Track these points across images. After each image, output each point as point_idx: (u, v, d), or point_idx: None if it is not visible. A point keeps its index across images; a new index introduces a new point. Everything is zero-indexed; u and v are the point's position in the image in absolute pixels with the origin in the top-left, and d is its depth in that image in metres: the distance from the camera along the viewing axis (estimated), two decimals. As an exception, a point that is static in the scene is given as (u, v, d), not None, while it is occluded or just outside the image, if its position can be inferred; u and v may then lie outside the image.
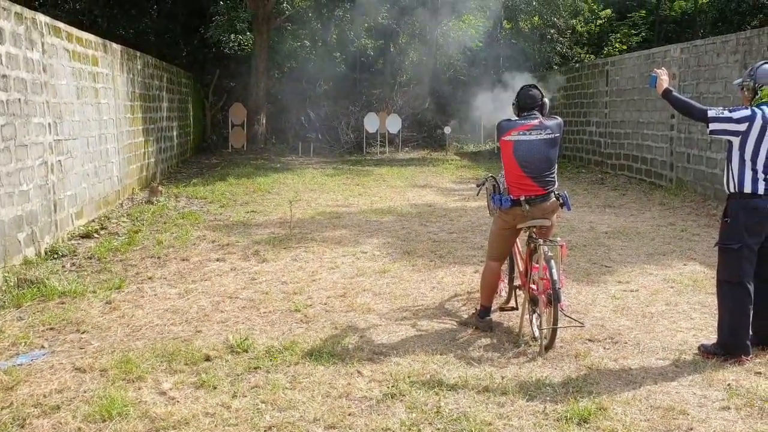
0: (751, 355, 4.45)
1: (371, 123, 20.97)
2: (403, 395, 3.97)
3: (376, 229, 9.15)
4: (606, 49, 24.91)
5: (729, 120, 4.41)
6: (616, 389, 4.03)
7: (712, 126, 4.47)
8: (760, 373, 4.25)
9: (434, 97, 24.03)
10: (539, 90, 5.02)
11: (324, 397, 3.99)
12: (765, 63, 4.52)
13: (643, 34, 24.90)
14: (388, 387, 4.08)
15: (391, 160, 19.82)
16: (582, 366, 4.38)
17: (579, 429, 3.55)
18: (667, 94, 4.73)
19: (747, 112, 4.39)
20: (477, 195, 6.24)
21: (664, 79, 4.79)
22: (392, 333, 5.07)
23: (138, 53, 12.88)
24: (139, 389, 4.10)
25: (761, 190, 4.39)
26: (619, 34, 25.02)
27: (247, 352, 4.68)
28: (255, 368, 4.41)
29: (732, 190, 4.49)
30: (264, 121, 21.48)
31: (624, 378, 4.20)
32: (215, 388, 4.11)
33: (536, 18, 24.65)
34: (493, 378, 4.19)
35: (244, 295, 6.08)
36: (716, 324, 4.74)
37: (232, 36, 22.53)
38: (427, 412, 3.76)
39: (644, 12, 25.13)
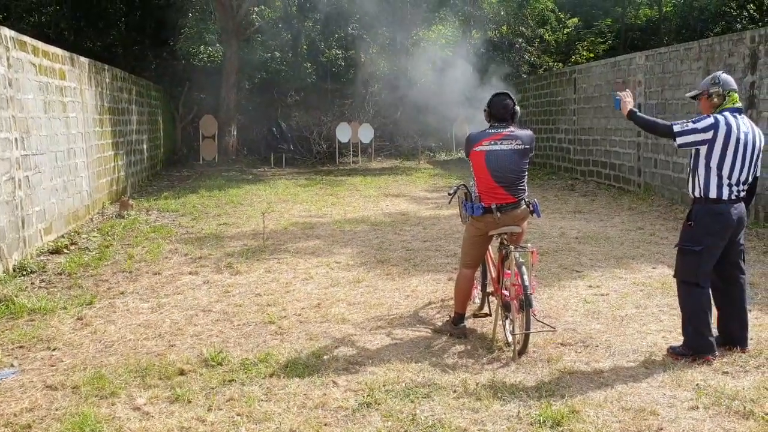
0: (716, 354, 4.55)
1: (343, 133, 21.02)
2: (379, 404, 3.98)
3: (349, 238, 9.16)
4: (573, 57, 25.27)
5: (695, 131, 4.51)
6: (589, 392, 4.10)
7: (680, 140, 4.57)
8: (727, 372, 4.35)
9: (406, 107, 24.14)
10: (511, 98, 5.09)
11: (300, 408, 3.99)
12: (722, 72, 4.69)
13: (610, 42, 25.32)
14: (363, 396, 4.09)
15: (364, 169, 19.86)
16: (554, 370, 4.44)
17: (552, 432, 3.60)
18: (631, 115, 4.87)
19: (710, 120, 4.49)
20: (449, 203, 6.30)
21: (627, 101, 4.93)
22: (367, 342, 5.09)
23: (106, 66, 12.77)
24: (112, 405, 4.06)
25: (725, 196, 4.49)
26: (586, 43, 25.40)
27: (221, 365, 4.66)
28: (230, 381, 4.39)
29: (697, 195, 4.59)
30: (235, 133, 21.39)
31: (596, 380, 4.27)
32: (190, 401, 4.09)
33: (504, 27, 24.97)
34: (468, 384, 4.23)
35: (218, 308, 6.05)
36: (678, 324, 4.87)
37: (202, 48, 22.45)
38: (402, 420, 3.78)
39: (610, 20, 25.56)
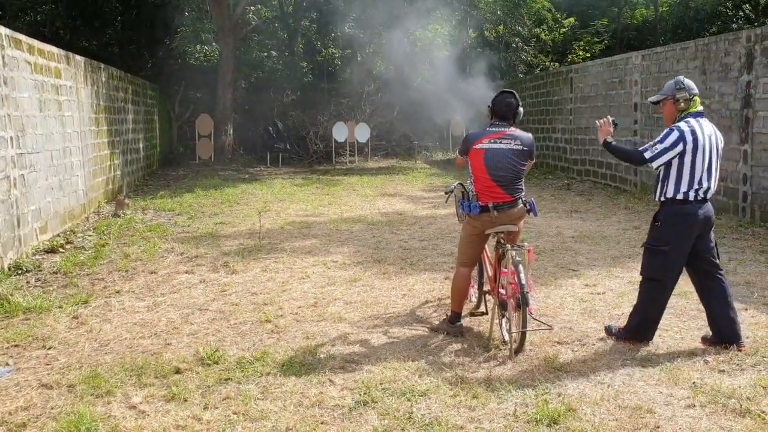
0: (651, 342, 4.79)
1: (340, 132, 21.01)
2: (376, 402, 3.98)
3: (346, 238, 9.15)
4: (570, 56, 25.30)
5: (666, 151, 4.60)
6: (585, 390, 4.09)
7: (656, 163, 4.65)
8: (723, 371, 4.35)
9: (402, 106, 24.14)
10: (516, 98, 5.09)
11: (296, 406, 3.98)
12: (684, 77, 4.79)
13: (606, 41, 25.35)
14: (360, 394, 4.09)
15: (361, 169, 19.85)
16: (551, 368, 4.43)
17: (549, 430, 3.59)
18: (606, 145, 4.93)
19: (676, 134, 4.58)
20: (446, 202, 6.30)
21: (603, 130, 4.96)
22: (364, 341, 5.08)
23: (102, 65, 12.74)
24: (108, 404, 4.04)
25: (692, 197, 4.60)
26: (582, 42, 25.44)
27: (217, 363, 4.64)
28: (226, 380, 4.38)
29: (665, 197, 4.68)
30: (231, 132, 21.37)
31: (592, 379, 4.27)
32: (186, 400, 4.08)
33: (501, 27, 24.98)
34: (464, 382, 4.23)
35: (214, 307, 6.04)
36: (679, 324, 4.91)
37: (198, 47, 22.43)
38: (399, 418, 3.77)
39: (606, 20, 25.60)
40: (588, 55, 24.70)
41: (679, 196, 4.60)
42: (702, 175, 4.61)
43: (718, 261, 4.82)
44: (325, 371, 4.48)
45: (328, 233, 9.52)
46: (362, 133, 21.28)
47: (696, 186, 4.60)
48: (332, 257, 7.95)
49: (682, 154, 4.58)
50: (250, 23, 22.38)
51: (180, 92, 22.14)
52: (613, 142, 4.93)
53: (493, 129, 5.03)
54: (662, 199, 4.70)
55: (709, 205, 4.70)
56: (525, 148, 4.97)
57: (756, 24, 20.55)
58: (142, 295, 6.48)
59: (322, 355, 4.77)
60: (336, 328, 5.39)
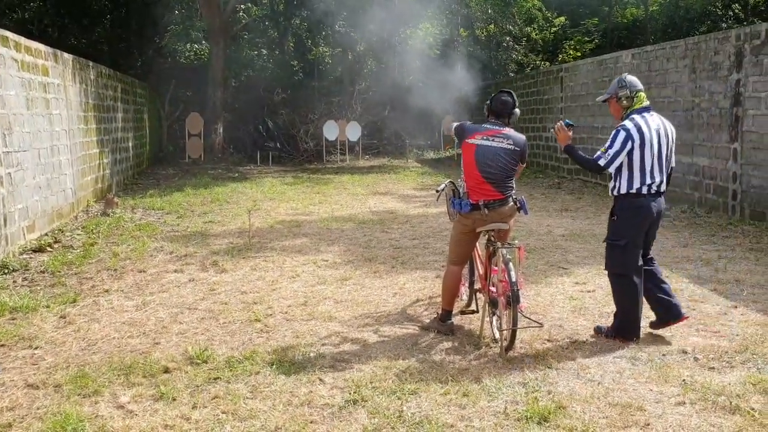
0: (639, 338, 4.83)
1: (330, 131, 20.96)
2: (366, 401, 3.96)
3: (337, 236, 9.13)
4: (560, 56, 25.35)
5: (618, 153, 4.71)
6: (575, 387, 4.09)
7: (612, 168, 4.76)
8: (713, 368, 4.35)
9: (394, 105, 24.12)
10: (513, 97, 5.10)
11: (285, 405, 3.96)
12: (627, 75, 4.94)
13: (596, 40, 25.42)
14: (350, 393, 4.06)
15: (352, 167, 19.82)
16: (541, 366, 4.43)
17: (539, 428, 3.58)
18: (567, 150, 4.99)
19: (623, 134, 4.70)
20: (437, 200, 6.29)
21: (562, 136, 5.01)
22: (354, 340, 5.06)
23: (91, 63, 12.64)
24: (95, 404, 4.00)
25: (645, 190, 4.72)
26: (572, 41, 25.49)
27: (206, 363, 4.61)
28: (215, 379, 4.35)
29: (619, 192, 4.79)
30: (221, 131, 21.28)
31: (582, 376, 4.26)
32: (174, 399, 4.04)
33: (492, 26, 25.01)
34: (455, 381, 4.21)
35: (203, 306, 6.00)
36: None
37: (188, 45, 22.33)
38: (389, 416, 3.75)
39: (596, 19, 25.67)
40: (578, 54, 24.76)
41: (632, 191, 4.74)
42: (653, 169, 4.74)
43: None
44: (314, 370, 4.45)
45: (318, 232, 9.49)
46: (353, 131, 21.25)
47: (648, 180, 4.73)
48: (322, 256, 7.93)
49: (631, 151, 4.70)
50: (241, 22, 22.30)
51: (170, 91, 22.03)
52: (574, 148, 4.99)
53: (488, 126, 5.04)
54: (616, 194, 4.82)
55: (661, 199, 4.85)
56: (517, 149, 4.97)
57: (745, 23, 20.65)
58: (131, 294, 6.43)
59: (311, 354, 4.75)
60: (326, 327, 5.36)
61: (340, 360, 4.63)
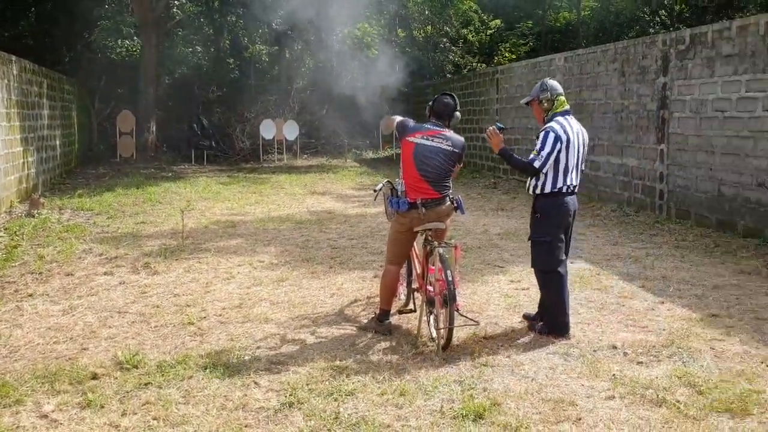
0: (570, 334, 4.95)
1: (267, 130, 20.71)
2: (302, 403, 3.91)
3: (273, 237, 9.01)
4: (496, 58, 25.78)
5: (550, 154, 4.87)
6: (510, 384, 4.14)
7: (545, 168, 4.89)
8: (641, 362, 4.49)
9: (332, 104, 24.03)
10: (455, 100, 5.15)
11: (219, 410, 3.87)
12: (549, 79, 5.15)
13: (531, 43, 25.96)
14: (285, 396, 4.01)
15: (289, 167, 19.64)
16: (477, 363, 4.47)
17: (475, 425, 3.61)
18: (502, 153, 5.08)
19: (553, 135, 4.87)
20: (374, 200, 6.27)
21: (494, 140, 5.11)
22: (290, 342, 4.99)
23: (13, 57, 12.10)
24: (16, 414, 3.82)
25: (564, 189, 4.92)
26: (508, 44, 25.97)
27: (137, 368, 4.47)
28: (146, 384, 4.22)
29: (540, 191, 4.95)
30: (154, 129, 20.73)
31: (517, 373, 4.32)
32: (103, 407, 3.90)
33: (429, 27, 25.22)
34: (392, 380, 4.21)
35: (134, 309, 5.82)
36: (600, 317, 5.09)
37: (119, 41, 21.65)
38: (325, 418, 3.71)
39: (531, 23, 26.22)
40: (514, 56, 25.24)
41: (555, 190, 4.92)
42: (574, 170, 4.95)
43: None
44: (249, 373, 4.37)
45: (254, 232, 9.35)
46: (291, 130, 21.05)
47: (569, 181, 4.94)
48: (258, 257, 7.81)
49: (559, 152, 4.88)
50: (174, 18, 21.77)
51: (100, 88, 21.32)
52: (509, 151, 5.08)
53: (429, 126, 5.08)
54: (538, 192, 4.97)
55: (575, 197, 5.06)
56: (456, 150, 5.02)
57: (671, 29, 21.48)
58: (57, 298, 6.17)
59: (246, 357, 4.66)
60: (261, 329, 5.28)
61: (276, 362, 4.57)
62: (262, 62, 24.45)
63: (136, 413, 3.83)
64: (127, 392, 4.10)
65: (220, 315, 5.66)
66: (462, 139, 5.14)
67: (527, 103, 5.21)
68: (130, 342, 5.00)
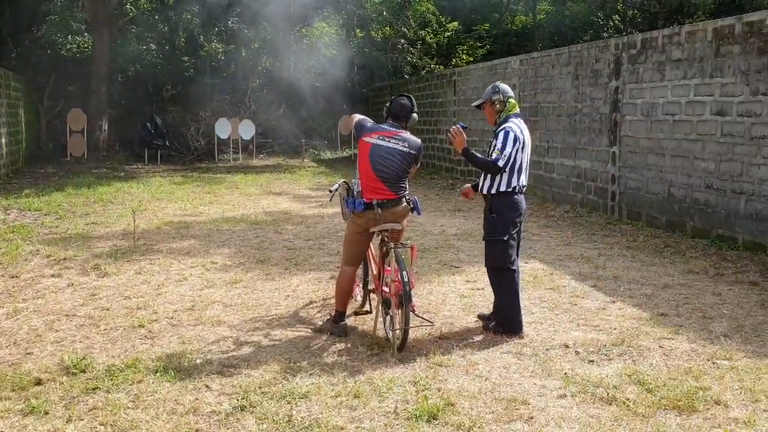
0: (523, 332, 5.02)
1: (223, 129, 20.44)
2: (254, 407, 3.85)
3: (227, 238, 8.89)
4: (454, 60, 25.97)
5: (511, 153, 4.97)
6: (464, 384, 4.15)
7: (507, 167, 4.98)
8: (593, 361, 4.55)
9: (289, 104, 23.87)
10: (412, 102, 5.15)
11: (169, 414, 3.78)
12: (500, 83, 5.24)
13: (488, 46, 26.23)
14: (238, 400, 3.94)
15: (245, 167, 19.43)
16: (432, 364, 4.47)
17: (428, 426, 3.61)
18: (465, 153, 5.11)
19: (512, 135, 4.98)
20: (330, 200, 6.24)
21: (458, 139, 5.12)
22: (243, 344, 4.92)
23: (-43, 52, 11.68)
24: (-46, 422, 3.67)
25: (518, 189, 5.04)
26: (465, 46, 26.18)
27: (84, 372, 4.35)
28: (93, 389, 4.10)
29: (496, 191, 5.04)
30: (106, 128, 20.26)
31: (471, 373, 4.34)
32: (47, 413, 3.78)
33: (387, 28, 25.26)
34: (346, 382, 4.18)
35: (83, 313, 5.66)
36: (553, 317, 5.14)
37: (69, 37, 21.10)
38: (278, 422, 3.66)
39: (488, 25, 26.49)
40: (471, 58, 25.46)
41: (509, 189, 5.02)
42: (524, 170, 5.09)
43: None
44: (201, 377, 4.29)
45: (208, 233, 9.21)
46: (247, 130, 20.82)
47: (522, 180, 5.07)
48: (212, 258, 7.69)
49: (516, 152, 4.98)
50: (128, 14, 21.33)
51: (49, 85, 20.74)
52: (471, 150, 5.11)
53: (386, 127, 5.07)
54: (494, 192, 5.06)
55: (524, 196, 5.20)
56: (412, 152, 5.03)
57: (624, 33, 21.95)
58: (0, 301, 5.96)
59: (198, 360, 4.57)
60: (214, 332, 5.19)
61: (229, 365, 4.49)
62: (218, 61, 24.13)
63: (82, 419, 3.72)
64: (74, 398, 3.98)
65: (172, 318, 5.54)
66: (419, 140, 5.14)
67: (479, 106, 5.26)
68: (77, 346, 4.87)
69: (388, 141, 4.98)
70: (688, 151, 8.74)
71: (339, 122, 21.92)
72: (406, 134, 5.08)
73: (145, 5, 22.29)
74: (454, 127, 5.17)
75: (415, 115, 5.18)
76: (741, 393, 4.00)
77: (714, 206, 8.35)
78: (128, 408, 3.86)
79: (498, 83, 5.24)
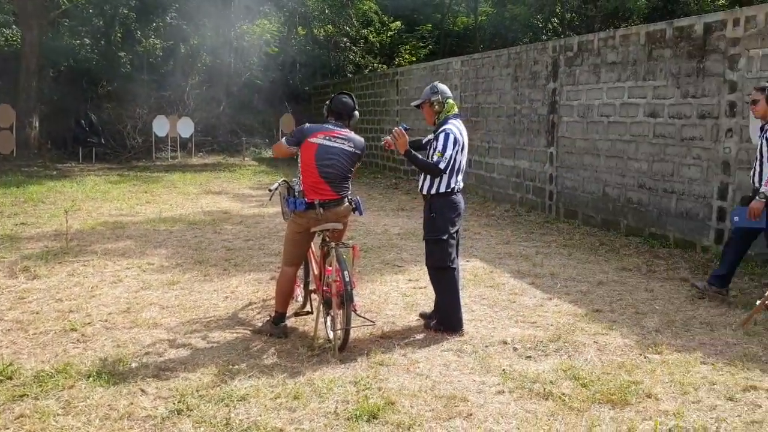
0: (464, 330, 5.08)
1: (161, 127, 19.97)
2: (191, 410, 3.76)
3: (164, 238, 8.68)
4: (397, 59, 26.08)
5: (452, 155, 5.00)
6: (405, 383, 4.16)
7: (447, 168, 5.01)
8: (530, 357, 4.63)
9: (229, 101, 23.51)
10: (353, 99, 5.11)
11: (102, 420, 3.66)
12: (439, 83, 5.26)
13: (430, 46, 26.45)
14: (174, 403, 3.85)
15: (184, 165, 19.04)
16: (373, 363, 4.47)
17: (369, 425, 3.60)
18: (408, 155, 5.13)
19: (452, 137, 5.02)
20: (270, 200, 6.17)
21: (401, 141, 5.11)
22: (181, 347, 4.81)
23: None
24: None
25: (456, 189, 5.11)
26: (408, 46, 26.33)
27: (11, 379, 4.17)
28: (21, 396, 3.94)
29: (435, 191, 5.09)
30: (37, 125, 19.52)
31: (412, 371, 4.36)
32: (-31, 424, 3.60)
33: (330, 26, 25.17)
34: (286, 384, 4.13)
35: (10, 317, 5.43)
36: (492, 314, 5.20)
37: (-4, 29, 20.28)
38: (216, 425, 3.59)
39: (430, 26, 26.70)
40: (414, 58, 25.62)
41: (448, 189, 5.08)
42: (462, 170, 5.13)
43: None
44: (136, 380, 4.17)
45: (144, 234, 8.97)
46: (185, 127, 20.40)
47: (459, 180, 5.12)
48: (148, 259, 7.50)
49: (456, 153, 5.03)
50: (60, 7, 20.59)
51: (-25, 79, 19.86)
52: (413, 152, 5.13)
53: (329, 126, 5.02)
54: (433, 192, 5.09)
55: (462, 197, 5.26)
56: (357, 151, 5.01)
57: (562, 36, 22.47)
58: None
59: (133, 364, 4.45)
60: (150, 335, 5.06)
61: (165, 369, 4.38)
62: (156, 57, 23.57)
63: (8, 428, 3.57)
64: (-1, 406, 3.82)
65: (106, 320, 5.38)
66: (362, 139, 5.13)
67: (418, 106, 5.28)
68: (4, 351, 4.67)
69: (334, 141, 4.93)
70: (622, 152, 9.01)
71: (280, 120, 21.72)
72: (351, 134, 5.05)
73: (78, -2, 21.59)
74: (396, 128, 5.18)
75: (356, 112, 5.16)
76: (671, 386, 4.13)
77: (647, 205, 8.63)
78: (58, 415, 3.72)
79: (436, 83, 5.26)
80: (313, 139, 4.93)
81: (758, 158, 5.68)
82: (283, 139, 5.14)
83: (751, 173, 5.80)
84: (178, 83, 22.90)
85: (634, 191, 8.83)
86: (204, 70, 24.08)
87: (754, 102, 5.75)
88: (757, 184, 5.65)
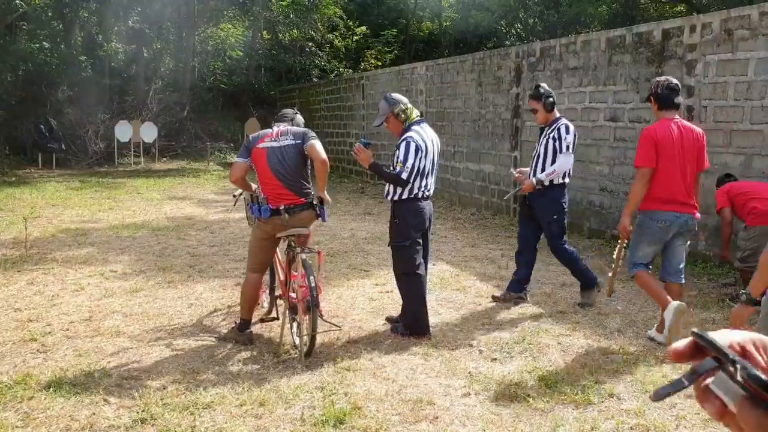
0: (431, 334, 5.09)
1: (123, 132, 19.64)
2: (155, 419, 3.72)
3: (127, 245, 8.55)
4: (363, 64, 26.12)
5: (414, 164, 5.00)
6: (371, 387, 4.17)
7: (411, 178, 5.01)
8: (495, 359, 4.68)
9: (194, 105, 23.27)
10: (292, 108, 5.11)
11: (63, 431, 3.59)
12: (391, 93, 5.29)
13: (396, 51, 26.55)
14: (138, 413, 3.79)
15: (147, 171, 18.78)
16: (340, 368, 4.46)
17: (335, 431, 3.60)
18: (373, 167, 5.15)
19: (413, 145, 5.01)
20: (234, 206, 6.12)
21: (362, 157, 5.14)
22: (144, 355, 4.74)
23: None
24: None
25: (421, 194, 5.12)
26: (374, 51, 26.39)
27: (-33, 391, 4.06)
28: (-23, 410, 3.84)
29: (400, 198, 5.10)
30: (-6, 130, 19.05)
31: (378, 375, 4.36)
32: (-77, 438, 3.50)
33: (295, 31, 25.11)
34: (252, 391, 4.10)
35: (-34, 327, 5.30)
36: (458, 317, 5.21)
37: (-49, 32, 19.78)
38: (180, 434, 3.56)
39: (396, 31, 26.81)
40: (379, 63, 25.70)
41: (411, 196, 5.08)
42: (427, 175, 5.12)
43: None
44: (99, 390, 4.10)
45: (107, 240, 8.83)
46: (148, 132, 20.09)
47: (425, 186, 5.10)
48: (111, 266, 7.38)
49: (419, 160, 5.02)
50: (17, 10, 20.13)
51: (-71, 83, 19.32)
52: (378, 163, 5.14)
53: (269, 130, 5.00)
54: (396, 199, 5.11)
55: (431, 202, 5.26)
56: (298, 141, 4.87)
57: (525, 42, 22.76)
58: None
59: (96, 374, 4.37)
60: (113, 343, 4.98)
61: (128, 377, 4.32)
62: (119, 61, 23.22)
63: (-36, 442, 3.48)
64: (-45, 419, 3.71)
65: (67, 329, 5.28)
66: (302, 127, 5.03)
67: (381, 124, 5.21)
68: (-41, 363, 4.55)
69: (279, 140, 4.88)
70: (584, 156, 9.15)
71: (245, 125, 21.56)
72: (290, 127, 4.97)
73: (37, 1, 21.14)
74: (356, 145, 5.17)
75: (299, 116, 5.16)
76: (633, 385, 4.21)
77: (608, 207, 8.78)
78: (17, 427, 3.64)
79: (388, 94, 5.23)
80: (261, 145, 4.87)
81: (541, 156, 6.07)
82: (237, 158, 5.08)
83: (530, 172, 6.17)
84: (141, 88, 22.59)
85: (595, 194, 8.98)
86: (167, 74, 23.81)
87: (534, 111, 6.06)
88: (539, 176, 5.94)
